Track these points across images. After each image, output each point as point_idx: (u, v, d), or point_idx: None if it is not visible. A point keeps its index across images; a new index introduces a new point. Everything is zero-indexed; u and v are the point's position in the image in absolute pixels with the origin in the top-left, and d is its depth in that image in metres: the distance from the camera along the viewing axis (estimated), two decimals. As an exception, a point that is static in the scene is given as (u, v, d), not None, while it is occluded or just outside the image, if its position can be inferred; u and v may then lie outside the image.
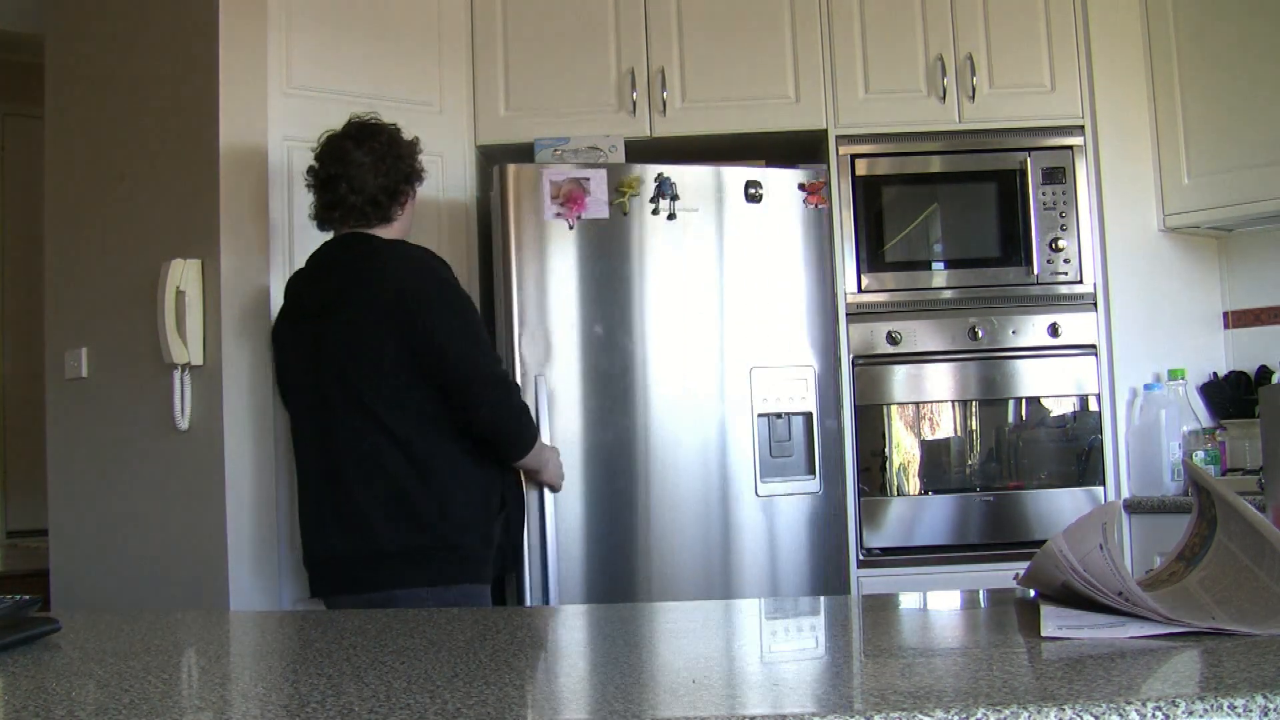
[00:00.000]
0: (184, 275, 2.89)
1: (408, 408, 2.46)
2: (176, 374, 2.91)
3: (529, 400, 2.80)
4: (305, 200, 3.02)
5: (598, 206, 3.00)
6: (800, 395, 3.13)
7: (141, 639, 1.45)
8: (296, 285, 2.70)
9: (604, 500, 2.98)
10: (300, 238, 3.00)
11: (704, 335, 3.10)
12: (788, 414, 3.11)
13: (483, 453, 2.57)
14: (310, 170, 2.63)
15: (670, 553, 3.01)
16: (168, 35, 3.08)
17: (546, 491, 2.87)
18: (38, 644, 1.34)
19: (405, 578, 2.43)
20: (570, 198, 2.98)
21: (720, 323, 3.11)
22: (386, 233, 2.61)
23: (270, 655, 1.43)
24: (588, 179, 3.02)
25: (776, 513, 3.10)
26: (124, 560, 3.04)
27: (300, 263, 3.04)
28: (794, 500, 3.10)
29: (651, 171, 3.07)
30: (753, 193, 3.10)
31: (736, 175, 3.14)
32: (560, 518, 2.91)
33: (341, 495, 2.48)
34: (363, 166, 2.54)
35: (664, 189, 3.05)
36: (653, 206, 3.04)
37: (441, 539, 2.46)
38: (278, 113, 2.99)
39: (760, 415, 3.09)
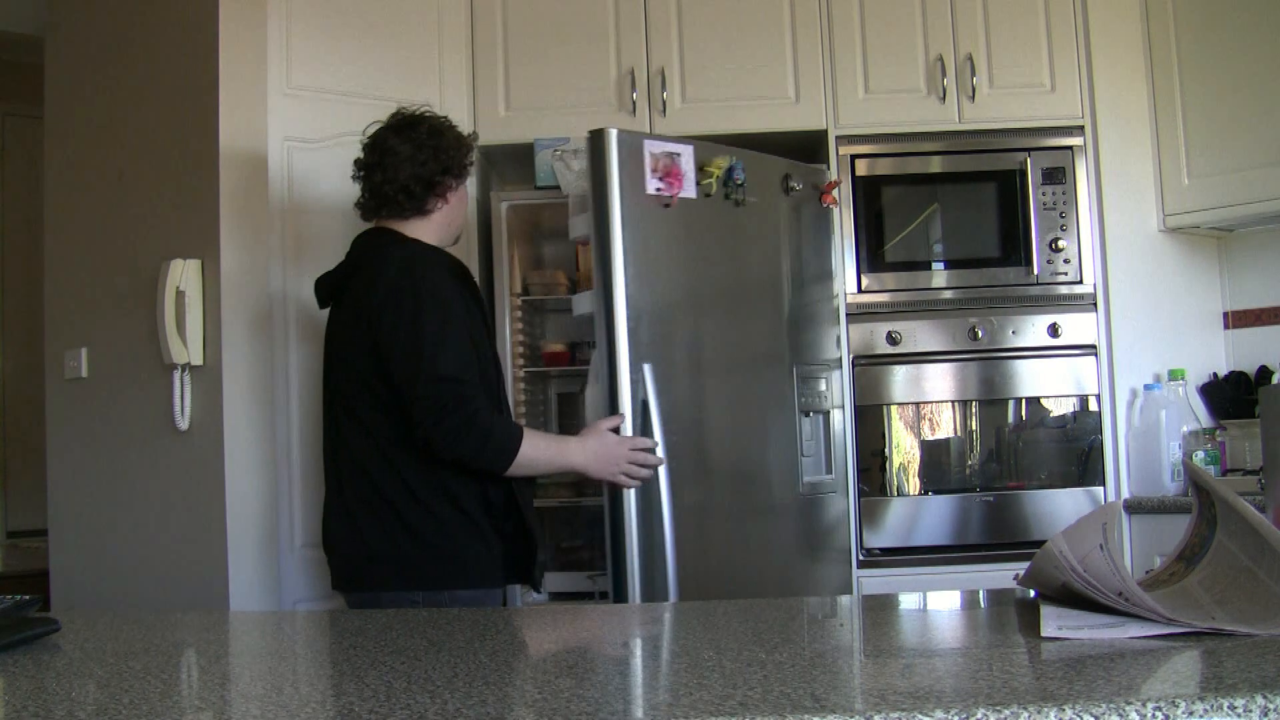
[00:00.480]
0: (184, 275, 2.89)
1: (387, 410, 2.37)
2: (176, 374, 2.91)
3: (628, 389, 2.56)
4: (305, 200, 3.04)
5: (690, 186, 2.77)
6: (825, 393, 3.15)
7: (141, 639, 1.45)
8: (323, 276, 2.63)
9: (689, 501, 2.73)
10: (300, 238, 3.01)
11: (763, 328, 3.05)
12: (815, 411, 3.11)
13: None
14: (355, 163, 2.57)
15: (736, 550, 2.89)
16: (168, 35, 3.08)
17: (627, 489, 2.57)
18: (38, 644, 1.34)
19: (393, 580, 2.36)
20: (669, 173, 2.71)
21: (770, 317, 3.07)
22: (420, 228, 2.49)
23: (270, 655, 1.43)
24: (679, 154, 2.76)
25: (812, 511, 3.09)
26: (124, 560, 3.04)
27: (299, 262, 3.05)
28: (822, 499, 3.11)
29: (722, 153, 2.89)
30: (790, 185, 3.06)
31: (777, 166, 3.07)
32: (647, 514, 2.61)
33: (337, 491, 2.46)
34: (399, 155, 2.47)
35: (734, 174, 2.88)
36: (725, 191, 2.89)
37: (428, 543, 2.36)
38: (278, 113, 3.00)
39: (801, 413, 3.06)
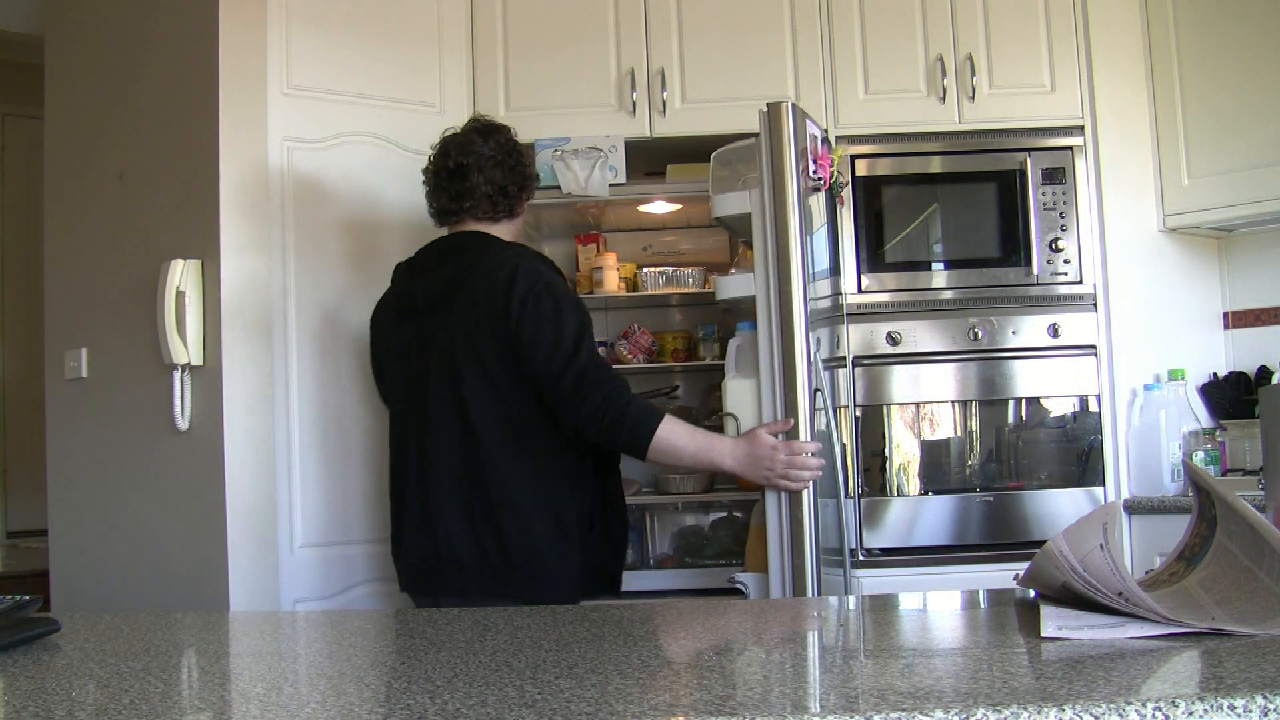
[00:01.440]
0: (184, 275, 2.89)
1: (501, 415, 2.38)
2: (176, 374, 2.91)
3: (805, 382, 2.44)
4: (305, 200, 3.03)
5: (828, 175, 2.66)
6: (840, 390, 3.15)
7: (141, 639, 1.45)
8: (405, 277, 2.60)
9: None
10: (300, 238, 3.01)
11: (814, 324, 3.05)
12: (837, 408, 3.13)
13: (568, 469, 2.42)
14: (433, 166, 2.55)
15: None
16: (168, 35, 3.08)
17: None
18: (38, 644, 1.34)
19: (478, 586, 2.37)
20: (819, 157, 2.60)
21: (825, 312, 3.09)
22: (507, 230, 2.55)
23: (270, 655, 1.43)
24: (818, 138, 2.64)
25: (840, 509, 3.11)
26: (124, 560, 3.04)
27: (299, 262, 3.04)
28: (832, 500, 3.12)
29: (839, 145, 2.87)
30: (840, 181, 3.05)
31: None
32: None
33: (426, 496, 2.44)
34: (491, 159, 2.50)
35: (842, 168, 2.82)
36: (839, 182, 2.86)
37: (510, 555, 2.36)
38: (278, 113, 3.00)
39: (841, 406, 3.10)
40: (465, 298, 2.41)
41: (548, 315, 2.35)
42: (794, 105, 2.49)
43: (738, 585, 2.67)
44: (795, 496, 2.44)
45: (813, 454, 2.42)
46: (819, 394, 2.49)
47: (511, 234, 2.56)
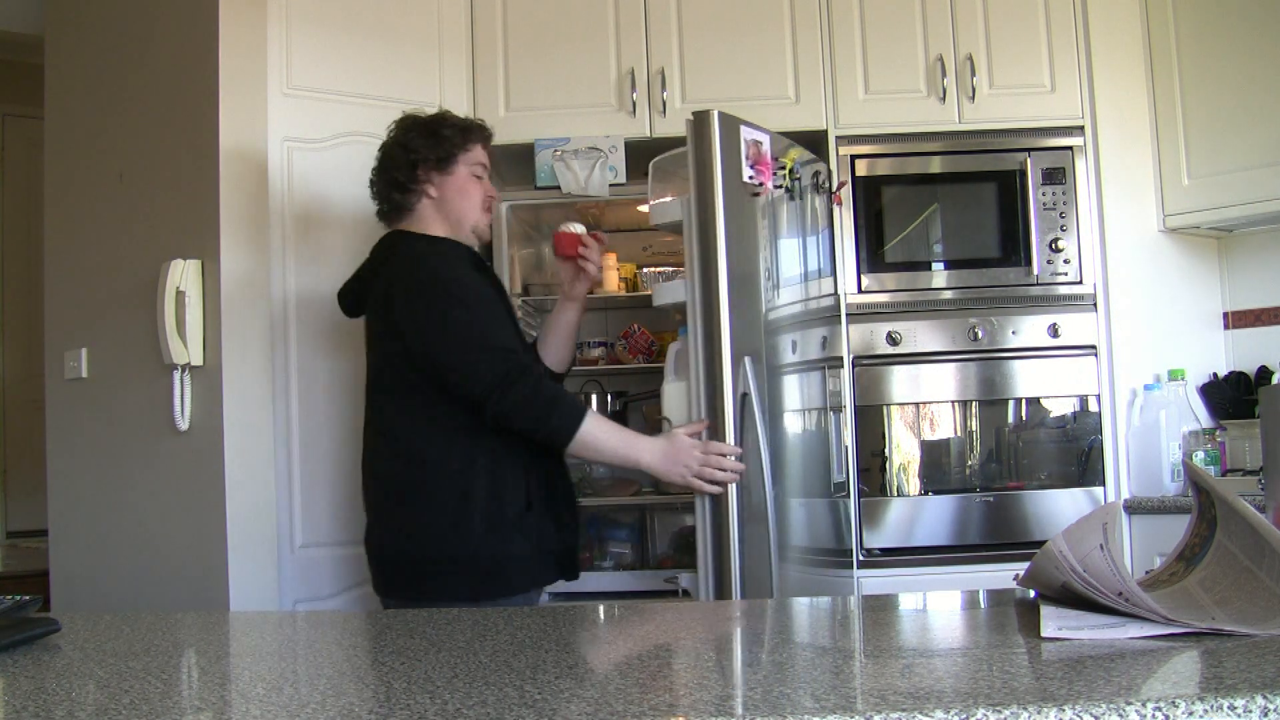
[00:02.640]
0: (184, 275, 2.89)
1: (409, 410, 2.39)
2: (176, 374, 2.91)
3: (730, 383, 2.45)
4: (305, 200, 3.04)
5: (772, 176, 2.71)
6: (839, 391, 3.15)
7: (141, 639, 1.45)
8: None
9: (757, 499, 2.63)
10: (300, 238, 3.01)
11: (806, 325, 3.04)
12: (834, 409, 3.12)
13: (489, 455, 2.36)
14: None
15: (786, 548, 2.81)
16: (168, 35, 3.08)
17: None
18: (38, 644, 1.34)
19: (398, 588, 2.37)
20: (759, 161, 2.64)
21: (811, 314, 3.06)
22: (424, 224, 2.50)
23: (270, 655, 1.43)
24: (763, 142, 2.67)
25: (831, 510, 3.11)
26: (124, 560, 3.04)
27: (299, 262, 3.05)
28: (835, 499, 3.13)
29: (792, 147, 2.84)
30: (822, 183, 3.05)
31: (813, 163, 3.04)
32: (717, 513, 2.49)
33: (363, 494, 2.51)
34: (378, 164, 2.54)
35: (795, 167, 2.85)
36: (789, 185, 2.86)
37: (431, 550, 2.34)
38: (278, 113, 3.00)
39: (832, 410, 3.07)
40: (372, 299, 2.47)
41: (438, 309, 2.35)
42: (723, 114, 2.53)
43: (677, 586, 2.74)
44: (719, 497, 2.46)
45: (734, 457, 2.44)
46: (747, 399, 2.51)
47: (438, 225, 2.50)
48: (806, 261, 3.10)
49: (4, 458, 4.70)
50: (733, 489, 2.45)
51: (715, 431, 2.47)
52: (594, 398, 3.54)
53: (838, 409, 3.13)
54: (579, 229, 2.63)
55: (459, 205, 2.51)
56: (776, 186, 2.73)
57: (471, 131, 2.54)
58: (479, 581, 2.32)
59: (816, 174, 3.05)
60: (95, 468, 3.14)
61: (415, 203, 2.50)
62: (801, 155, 2.83)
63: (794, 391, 2.90)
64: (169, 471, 2.96)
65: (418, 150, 2.49)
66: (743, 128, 2.60)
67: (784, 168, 2.74)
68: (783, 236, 2.88)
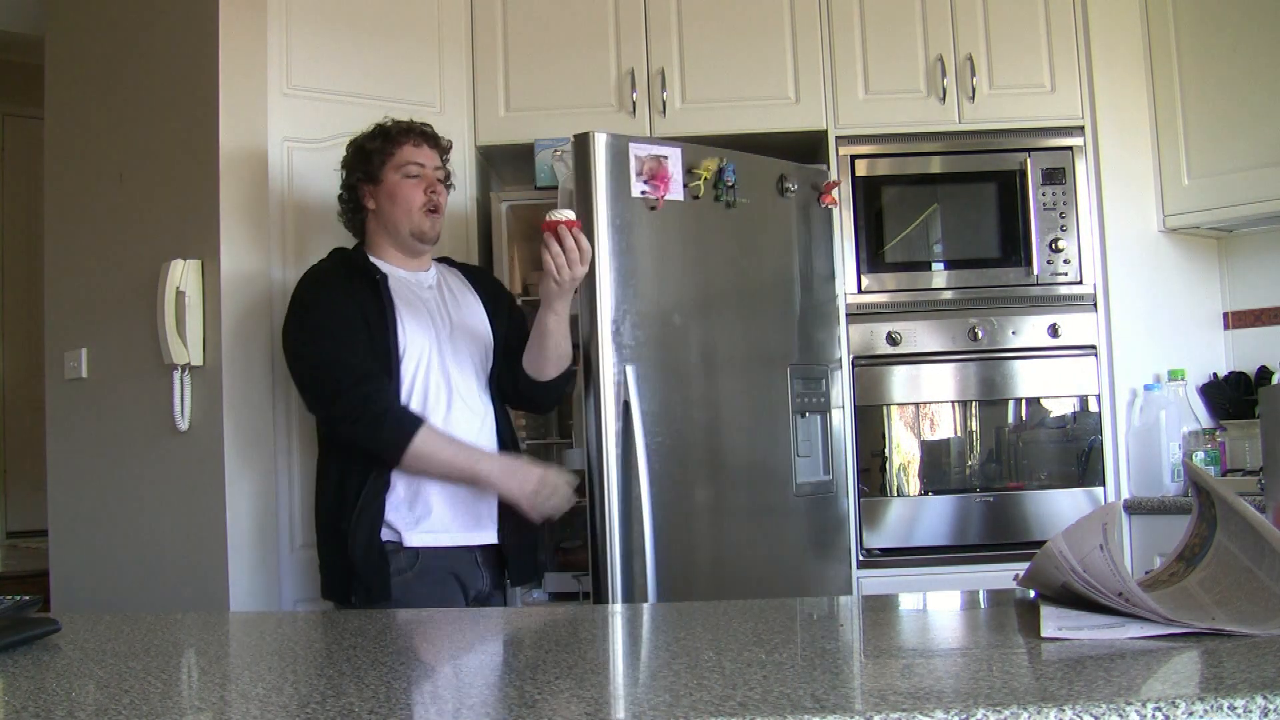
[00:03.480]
0: (184, 275, 2.89)
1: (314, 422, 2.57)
2: (176, 374, 2.91)
3: (612, 392, 2.59)
4: (305, 201, 3.03)
5: (677, 188, 2.81)
6: (825, 394, 3.14)
7: (141, 639, 1.45)
8: None
9: (675, 500, 2.75)
10: (300, 238, 3.01)
11: (757, 329, 3.04)
12: (812, 412, 3.11)
13: (338, 466, 2.46)
14: None
15: (723, 552, 2.90)
16: (168, 35, 3.08)
17: (610, 486, 2.58)
18: (38, 644, 1.34)
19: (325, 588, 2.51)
20: (655, 175, 2.75)
21: (764, 318, 3.07)
22: (371, 241, 2.60)
23: (270, 655, 1.43)
24: (665, 156, 2.80)
25: (812, 512, 3.09)
26: (124, 560, 3.04)
27: (299, 262, 3.05)
28: (822, 500, 3.11)
29: (711, 155, 2.91)
30: (785, 186, 3.06)
31: (773, 167, 3.07)
32: (628, 515, 2.62)
33: None
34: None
35: (724, 175, 2.91)
36: (715, 193, 2.90)
37: (324, 554, 2.49)
38: (278, 113, 2.99)
39: (795, 413, 3.04)
40: None
41: (289, 323, 2.49)
42: (611, 134, 2.70)
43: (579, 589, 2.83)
44: (600, 499, 2.57)
45: (568, 485, 2.46)
46: (629, 407, 2.62)
47: (383, 236, 2.57)
48: (791, 263, 3.12)
49: (4, 458, 4.70)
50: (612, 494, 2.57)
51: (593, 440, 2.61)
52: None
53: (810, 411, 3.10)
54: (564, 215, 2.42)
55: (390, 213, 2.54)
56: (694, 197, 2.82)
57: (395, 135, 2.54)
58: (343, 584, 2.41)
59: (781, 178, 3.06)
60: (95, 468, 3.13)
61: (364, 221, 2.59)
62: (723, 161, 2.88)
63: (744, 395, 2.96)
64: (169, 471, 2.96)
65: (351, 170, 2.57)
66: (634, 145, 2.75)
67: (699, 177, 2.82)
68: (739, 242, 2.96)
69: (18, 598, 1.48)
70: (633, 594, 2.62)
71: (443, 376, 2.47)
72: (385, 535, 2.39)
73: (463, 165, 3.29)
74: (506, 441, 2.58)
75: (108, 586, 3.06)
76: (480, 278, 2.78)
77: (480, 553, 2.48)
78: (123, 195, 3.13)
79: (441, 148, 2.62)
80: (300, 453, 2.97)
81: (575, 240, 2.38)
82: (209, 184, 2.89)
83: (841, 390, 3.23)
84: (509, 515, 2.48)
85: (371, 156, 2.54)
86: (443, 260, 2.76)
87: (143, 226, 3.06)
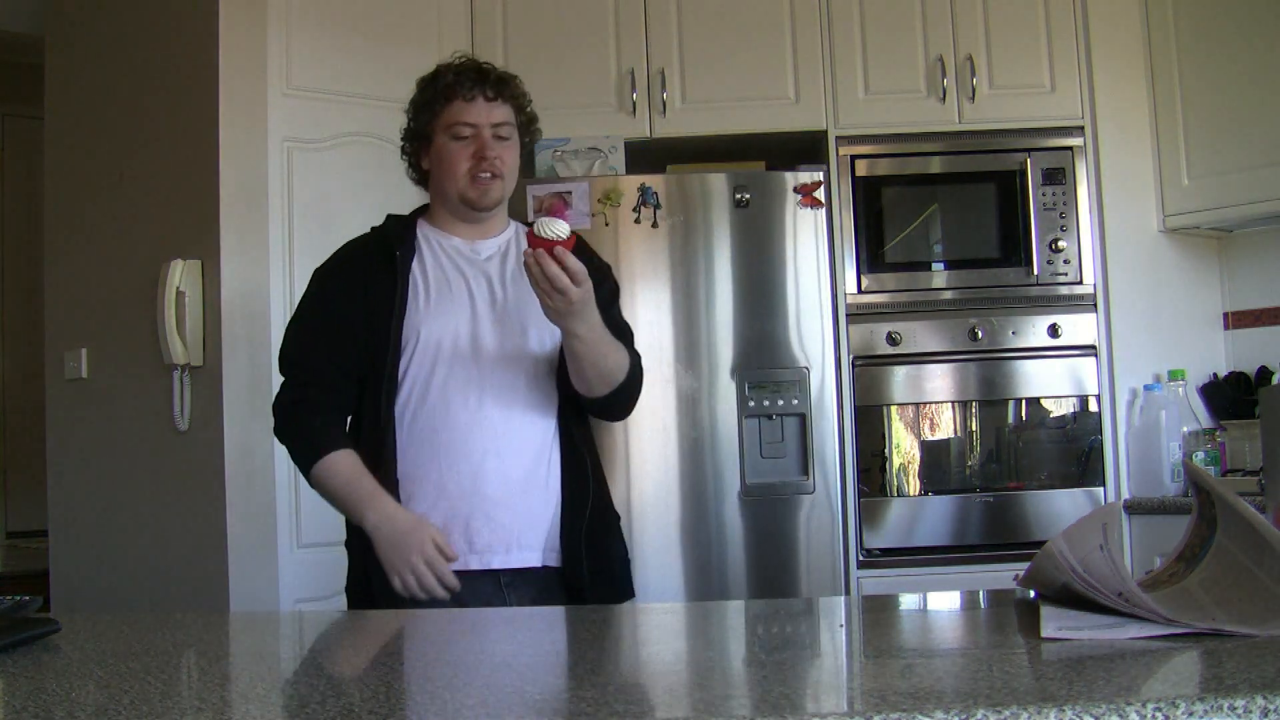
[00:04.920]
0: (184, 275, 2.89)
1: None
2: (176, 374, 2.91)
3: None
4: (305, 200, 3.03)
5: (579, 218, 3.05)
6: (793, 397, 3.14)
7: (141, 639, 1.45)
8: None
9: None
10: (300, 238, 3.01)
11: (688, 339, 3.15)
12: (779, 415, 3.13)
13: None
14: None
15: (657, 555, 3.05)
16: (168, 35, 3.08)
17: None
18: (38, 644, 1.34)
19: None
20: (550, 210, 2.94)
21: (706, 327, 3.16)
22: (432, 204, 2.23)
23: (270, 655, 1.43)
24: (570, 192, 3.09)
25: (766, 513, 3.12)
26: (124, 560, 3.04)
27: (299, 262, 3.06)
28: (787, 501, 3.12)
29: (634, 182, 3.15)
30: (740, 198, 3.16)
31: (723, 181, 3.18)
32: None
33: None
34: None
35: (646, 198, 3.11)
36: (635, 215, 3.11)
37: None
38: (278, 113, 3.00)
39: (749, 417, 3.13)
40: None
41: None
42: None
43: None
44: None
45: (447, 573, 1.96)
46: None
47: (437, 198, 2.20)
48: (745, 271, 3.19)
49: (4, 458, 4.70)
50: None
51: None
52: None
53: (771, 414, 3.13)
54: (553, 232, 1.92)
55: (439, 178, 2.17)
56: (606, 224, 3.07)
57: (443, 88, 2.15)
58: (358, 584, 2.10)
59: (736, 189, 3.16)
60: (95, 468, 3.14)
61: (427, 185, 2.23)
62: (643, 185, 3.13)
63: (689, 402, 3.12)
64: (169, 471, 2.96)
65: (407, 136, 2.23)
66: (532, 186, 3.06)
67: (612, 203, 3.03)
68: (661, 258, 3.15)
69: (18, 598, 1.48)
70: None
71: (471, 369, 2.06)
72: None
73: (463, 165, 3.29)
74: (578, 452, 2.11)
75: (108, 586, 3.06)
76: (580, 251, 2.12)
77: (514, 575, 2.03)
78: (123, 195, 3.13)
79: (505, 96, 2.18)
80: (300, 453, 2.97)
81: (559, 264, 1.91)
82: (209, 184, 2.90)
83: (842, 390, 3.22)
84: (577, 527, 2.07)
85: (420, 113, 2.19)
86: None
87: (143, 226, 3.07)
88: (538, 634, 1.46)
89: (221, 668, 1.35)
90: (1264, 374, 3.36)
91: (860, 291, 3.30)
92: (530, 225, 2.01)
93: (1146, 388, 3.29)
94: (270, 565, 2.87)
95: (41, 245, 3.38)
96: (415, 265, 2.12)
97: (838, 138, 3.33)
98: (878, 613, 1.53)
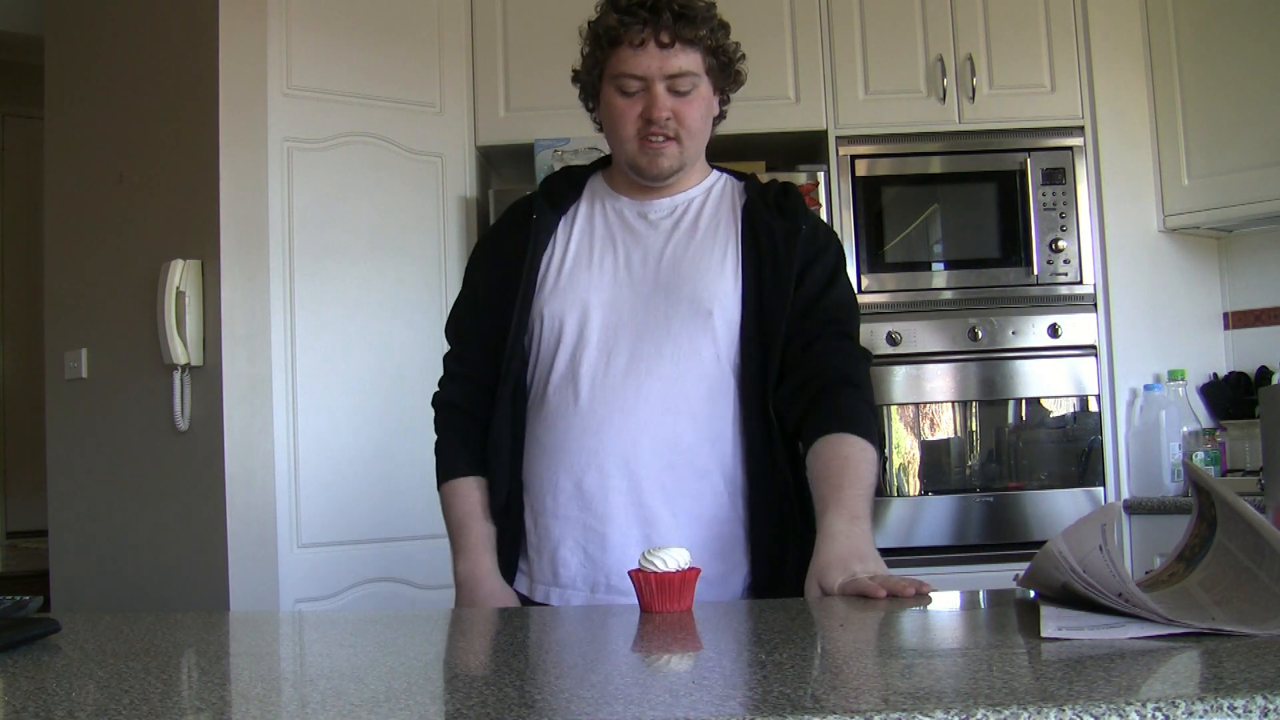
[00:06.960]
0: (184, 275, 2.89)
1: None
2: (176, 374, 2.91)
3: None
4: (305, 201, 3.03)
5: None
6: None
7: (141, 639, 1.45)
8: None
9: None
10: (300, 238, 3.01)
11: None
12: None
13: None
14: None
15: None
16: (168, 35, 3.08)
17: None
18: (38, 644, 1.34)
19: None
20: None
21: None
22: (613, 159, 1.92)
23: (270, 655, 1.43)
24: None
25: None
26: (124, 560, 3.04)
27: (300, 262, 3.05)
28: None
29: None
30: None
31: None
32: None
33: None
34: None
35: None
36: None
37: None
38: (278, 113, 3.00)
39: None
40: None
41: None
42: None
43: None
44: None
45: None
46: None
47: (612, 151, 1.89)
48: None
49: (4, 458, 4.70)
50: None
51: None
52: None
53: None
54: (670, 563, 1.48)
55: (608, 135, 1.85)
56: None
57: (613, 26, 1.80)
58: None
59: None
60: (95, 468, 3.14)
61: (598, 121, 1.90)
62: None
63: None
64: (169, 471, 2.96)
65: (577, 81, 1.90)
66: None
67: None
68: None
69: (18, 598, 1.48)
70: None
71: (617, 357, 1.74)
72: (519, 585, 1.81)
73: (463, 166, 3.29)
74: (765, 476, 1.75)
75: (108, 586, 3.06)
76: (793, 213, 1.85)
77: None
78: (123, 195, 3.13)
79: (685, 39, 1.82)
80: (301, 452, 2.97)
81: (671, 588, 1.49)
82: (209, 184, 2.90)
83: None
84: (763, 550, 1.77)
85: (587, 57, 1.86)
86: (750, 177, 1.96)
87: (143, 227, 3.07)
88: (538, 633, 1.46)
89: (221, 668, 1.34)
90: (1264, 374, 3.36)
91: (860, 291, 3.30)
92: None
93: (1146, 388, 3.29)
94: (270, 565, 2.87)
95: (42, 245, 3.38)
96: (561, 230, 1.82)
97: (838, 138, 3.33)
98: (878, 613, 1.53)
